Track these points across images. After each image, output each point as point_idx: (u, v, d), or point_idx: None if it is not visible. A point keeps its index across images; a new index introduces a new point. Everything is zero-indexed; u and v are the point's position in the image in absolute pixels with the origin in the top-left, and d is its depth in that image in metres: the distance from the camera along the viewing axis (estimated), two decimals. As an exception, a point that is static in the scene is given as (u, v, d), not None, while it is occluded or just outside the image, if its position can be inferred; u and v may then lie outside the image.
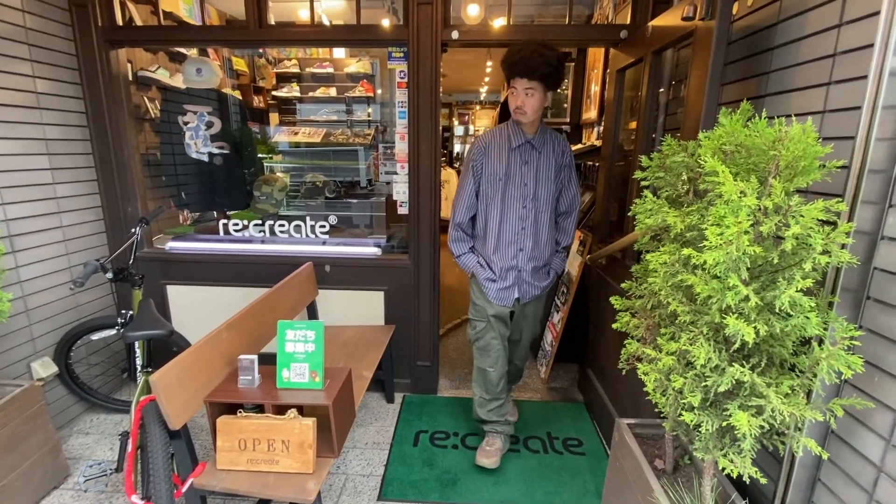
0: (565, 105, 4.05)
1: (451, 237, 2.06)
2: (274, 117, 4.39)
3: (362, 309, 2.60)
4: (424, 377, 2.68)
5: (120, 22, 2.39)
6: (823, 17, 1.16)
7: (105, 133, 2.43)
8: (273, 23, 2.37)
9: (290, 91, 4.30)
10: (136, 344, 1.82)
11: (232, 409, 1.54)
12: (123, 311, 1.98)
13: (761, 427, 1.01)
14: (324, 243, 2.65)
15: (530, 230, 1.96)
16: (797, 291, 0.91)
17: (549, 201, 1.97)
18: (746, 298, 0.94)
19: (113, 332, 2.22)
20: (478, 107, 10.25)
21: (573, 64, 3.84)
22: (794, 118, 1.02)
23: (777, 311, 0.96)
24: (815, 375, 0.99)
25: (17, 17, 2.05)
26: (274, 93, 4.30)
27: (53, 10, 2.22)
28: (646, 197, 1.22)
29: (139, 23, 2.60)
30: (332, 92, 4.28)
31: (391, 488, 1.97)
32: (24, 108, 2.09)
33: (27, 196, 2.11)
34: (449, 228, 2.06)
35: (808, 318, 0.94)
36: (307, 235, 2.65)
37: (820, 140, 1.14)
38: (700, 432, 1.10)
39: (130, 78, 2.55)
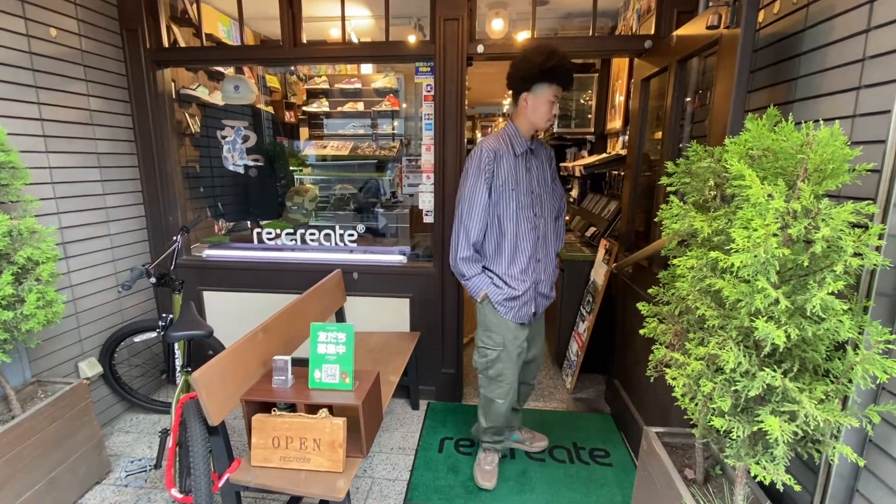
0: (589, 115, 4.06)
1: (460, 256, 1.83)
2: (304, 131, 4.56)
3: (388, 315, 2.65)
4: (449, 385, 2.70)
5: (166, 44, 2.55)
6: (851, 22, 1.16)
7: (150, 147, 2.58)
8: (306, 41, 2.49)
9: (320, 106, 4.46)
10: (177, 345, 1.91)
11: (266, 407, 1.60)
12: (164, 315, 2.09)
13: (795, 434, 0.99)
14: (351, 251, 2.73)
15: (542, 239, 1.91)
16: (829, 294, 0.91)
17: (552, 207, 1.97)
18: (776, 302, 0.94)
19: (154, 334, 2.33)
20: (500, 119, 10.34)
21: (597, 74, 3.86)
22: (821, 123, 1.02)
23: (808, 314, 0.95)
24: (850, 381, 0.98)
25: (75, 40, 2.22)
26: (304, 108, 4.47)
27: (106, 34, 2.40)
28: (672, 202, 1.23)
29: (183, 44, 2.77)
30: (360, 107, 4.42)
31: (417, 493, 1.99)
32: (80, 125, 2.25)
33: (80, 206, 2.26)
34: (457, 248, 1.84)
35: (840, 321, 0.93)
36: (336, 244, 2.73)
37: (850, 144, 1.14)
38: (731, 438, 1.09)
39: (174, 96, 2.71)
